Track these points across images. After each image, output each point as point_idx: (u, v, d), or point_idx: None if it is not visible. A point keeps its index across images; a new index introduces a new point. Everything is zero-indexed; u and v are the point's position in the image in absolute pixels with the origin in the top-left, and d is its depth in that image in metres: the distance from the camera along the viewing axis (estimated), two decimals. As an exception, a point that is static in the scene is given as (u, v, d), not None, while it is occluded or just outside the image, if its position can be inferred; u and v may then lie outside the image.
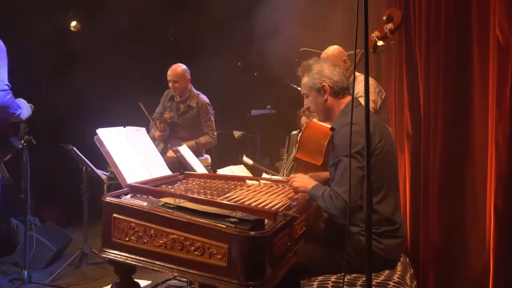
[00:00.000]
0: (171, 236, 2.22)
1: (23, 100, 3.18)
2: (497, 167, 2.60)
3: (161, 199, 2.45)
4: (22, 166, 3.74)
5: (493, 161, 2.65)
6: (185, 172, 3.32)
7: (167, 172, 3.17)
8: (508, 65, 2.54)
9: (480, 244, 2.90)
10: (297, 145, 3.58)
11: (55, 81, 5.75)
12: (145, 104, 4.86)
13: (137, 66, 6.20)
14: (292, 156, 3.82)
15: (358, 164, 2.32)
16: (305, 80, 2.63)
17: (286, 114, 6.10)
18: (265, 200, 2.58)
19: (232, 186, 2.97)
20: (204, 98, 4.91)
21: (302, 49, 4.58)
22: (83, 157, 4.14)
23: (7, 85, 2.73)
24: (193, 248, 2.16)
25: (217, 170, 3.75)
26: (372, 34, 3.61)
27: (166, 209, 2.29)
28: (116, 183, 4.80)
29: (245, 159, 4.54)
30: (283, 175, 4.14)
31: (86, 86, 5.73)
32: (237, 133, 6.32)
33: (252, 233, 2.04)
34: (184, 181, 3.12)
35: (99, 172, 4.23)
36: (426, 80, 3.38)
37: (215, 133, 4.92)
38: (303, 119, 4.06)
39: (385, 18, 3.47)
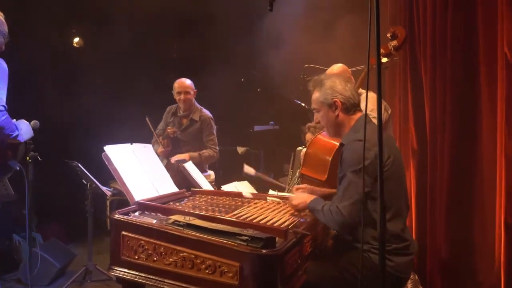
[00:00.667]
0: (181, 254, 2.21)
1: (26, 122, 3.16)
2: (507, 183, 2.59)
3: (170, 217, 2.43)
4: (25, 182, 3.72)
5: (502, 177, 2.64)
6: (192, 189, 3.31)
7: (173, 188, 3.17)
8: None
9: (489, 260, 2.88)
10: (302, 161, 3.57)
11: (59, 97, 5.74)
12: (149, 120, 4.86)
13: (140, 82, 6.21)
14: (298, 172, 3.81)
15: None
16: (316, 95, 2.62)
17: (289, 130, 6.09)
18: (273, 217, 2.58)
19: (240, 203, 2.95)
20: (207, 112, 4.91)
21: (307, 65, 4.58)
22: (88, 173, 4.12)
23: (3, 106, 2.75)
24: (203, 266, 2.14)
25: (222, 186, 3.74)
26: None
27: (176, 227, 2.28)
28: (118, 199, 4.78)
29: (247, 168, 4.44)
30: (288, 191, 4.13)
31: (90, 102, 5.72)
32: (240, 149, 6.31)
33: (264, 251, 2.03)
34: (191, 198, 3.11)
35: (104, 188, 4.21)
36: (432, 95, 3.38)
37: (217, 148, 4.89)
38: (308, 135, 4.04)
39: (389, 35, 3.48)
